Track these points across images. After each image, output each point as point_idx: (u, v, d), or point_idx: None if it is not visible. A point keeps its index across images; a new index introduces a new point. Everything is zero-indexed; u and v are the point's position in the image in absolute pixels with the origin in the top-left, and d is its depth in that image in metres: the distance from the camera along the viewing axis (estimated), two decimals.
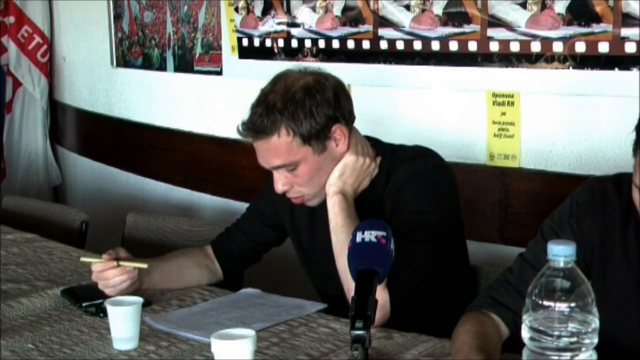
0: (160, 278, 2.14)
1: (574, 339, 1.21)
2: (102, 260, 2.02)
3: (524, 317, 1.25)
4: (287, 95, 1.92)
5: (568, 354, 1.21)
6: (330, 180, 1.98)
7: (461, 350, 1.51)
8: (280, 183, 1.99)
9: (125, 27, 4.14)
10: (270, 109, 1.92)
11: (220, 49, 3.51)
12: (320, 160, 1.96)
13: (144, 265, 2.05)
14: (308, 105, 1.92)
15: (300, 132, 1.92)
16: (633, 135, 1.48)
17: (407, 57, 2.78)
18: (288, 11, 3.18)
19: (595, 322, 1.22)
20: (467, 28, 2.60)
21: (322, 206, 2.03)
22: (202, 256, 2.26)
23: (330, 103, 1.94)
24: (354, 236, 1.59)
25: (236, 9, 3.39)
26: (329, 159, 1.98)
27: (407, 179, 1.97)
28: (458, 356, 1.51)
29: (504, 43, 2.52)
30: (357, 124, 2.04)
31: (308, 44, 3.11)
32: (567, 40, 2.37)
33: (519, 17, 2.47)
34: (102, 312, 1.93)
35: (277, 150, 1.94)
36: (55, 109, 4.85)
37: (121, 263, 2.01)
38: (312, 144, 1.94)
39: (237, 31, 3.40)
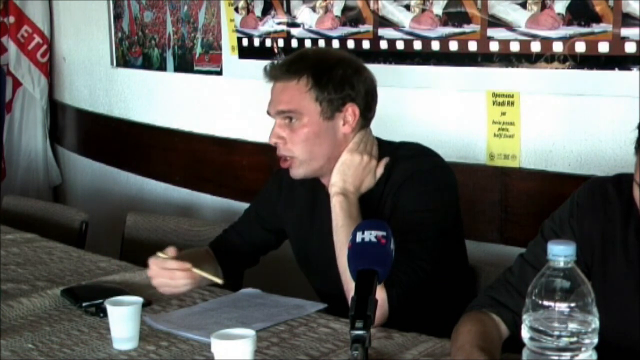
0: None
1: (574, 339, 1.21)
2: (172, 258, 2.01)
3: (524, 317, 1.25)
4: (323, 56, 2.04)
5: (568, 354, 1.21)
6: (332, 180, 1.99)
7: (462, 349, 1.51)
8: (276, 134, 2.01)
9: (125, 27, 4.13)
10: (302, 58, 2.02)
11: (220, 49, 3.50)
12: (322, 126, 1.98)
13: (219, 281, 2.01)
14: (336, 73, 1.98)
15: (318, 89, 1.96)
16: (633, 134, 1.48)
17: (407, 57, 2.78)
18: (288, 11, 3.18)
19: (595, 322, 1.22)
20: (467, 28, 2.60)
21: (321, 206, 2.03)
22: (210, 257, 2.25)
23: (352, 85, 1.98)
24: (354, 236, 1.59)
25: (236, 9, 3.39)
26: (331, 133, 1.99)
27: (407, 178, 1.97)
28: (459, 355, 1.51)
29: (504, 43, 2.52)
30: None
31: (308, 44, 3.10)
32: (567, 40, 2.37)
33: (519, 17, 2.47)
34: (102, 312, 1.93)
35: (289, 93, 1.98)
36: (55, 108, 4.85)
37: (195, 270, 2.00)
38: (322, 105, 1.97)
39: (237, 31, 3.40)
